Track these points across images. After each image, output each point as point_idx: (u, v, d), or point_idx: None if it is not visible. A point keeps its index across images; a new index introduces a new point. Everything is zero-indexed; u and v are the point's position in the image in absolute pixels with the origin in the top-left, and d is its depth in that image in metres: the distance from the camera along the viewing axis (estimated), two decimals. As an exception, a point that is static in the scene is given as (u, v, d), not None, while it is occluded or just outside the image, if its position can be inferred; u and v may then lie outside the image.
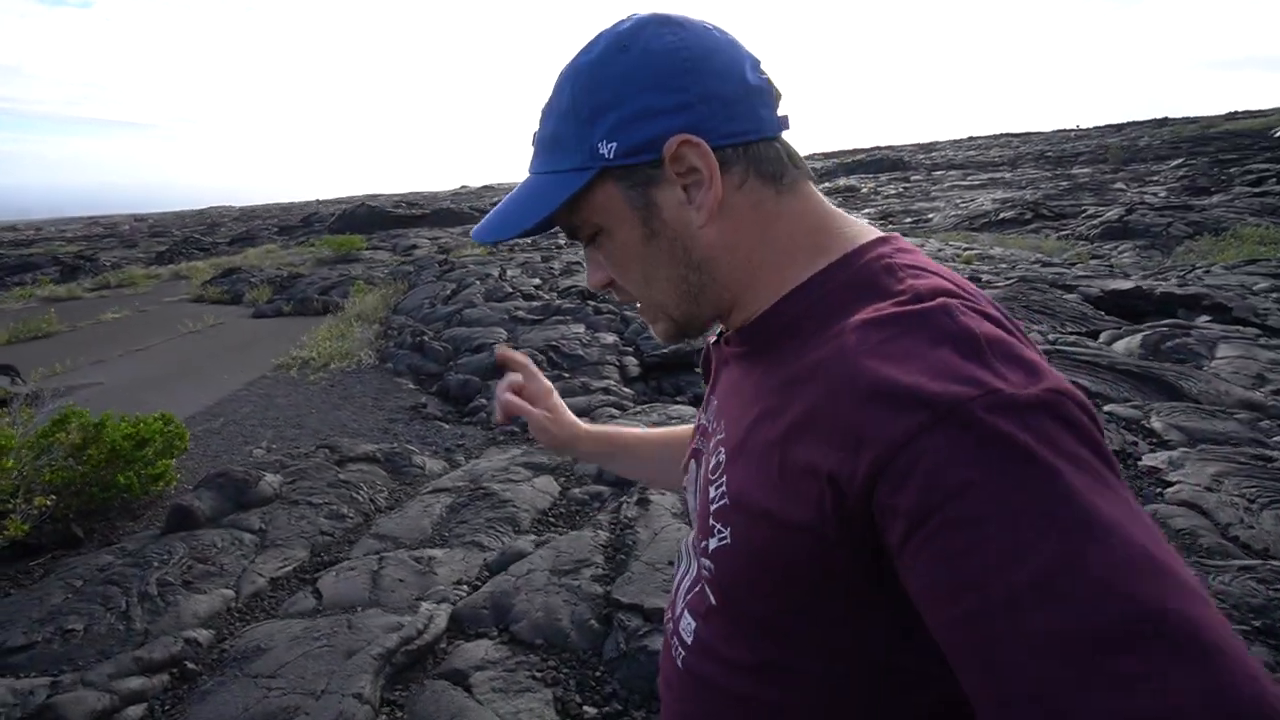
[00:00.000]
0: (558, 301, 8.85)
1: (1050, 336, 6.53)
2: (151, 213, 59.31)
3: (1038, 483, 0.42)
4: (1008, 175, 23.98)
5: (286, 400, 7.08)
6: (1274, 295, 8.37)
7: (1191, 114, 36.06)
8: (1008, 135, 43.08)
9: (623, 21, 0.65)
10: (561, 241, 19.56)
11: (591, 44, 0.65)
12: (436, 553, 3.51)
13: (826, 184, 26.53)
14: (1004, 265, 11.11)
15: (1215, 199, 16.15)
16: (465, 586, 3.22)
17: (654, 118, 0.61)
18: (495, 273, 11.03)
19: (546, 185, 0.66)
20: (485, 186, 52.92)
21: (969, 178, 24.12)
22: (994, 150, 34.37)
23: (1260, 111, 33.44)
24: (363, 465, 4.92)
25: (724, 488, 0.62)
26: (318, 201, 55.96)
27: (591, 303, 8.69)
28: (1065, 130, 39.92)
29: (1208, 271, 10.20)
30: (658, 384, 7.00)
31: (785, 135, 0.67)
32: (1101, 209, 16.52)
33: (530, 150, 0.70)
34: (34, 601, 3.08)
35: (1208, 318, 7.45)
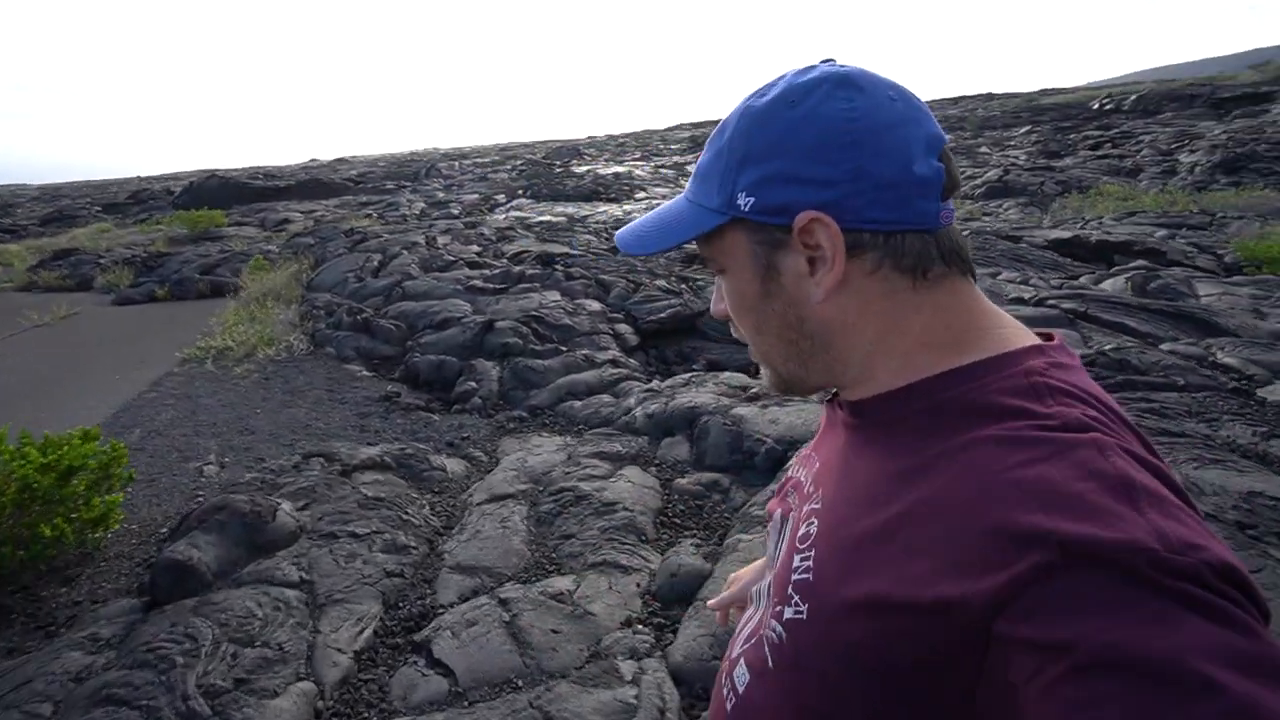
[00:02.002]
0: (517, 268, 7.74)
1: (1053, 282, 6.41)
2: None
3: (1191, 637, 0.37)
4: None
5: (215, 400, 5.58)
6: (1180, 240, 8.84)
7: (1011, 90, 39.30)
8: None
9: (808, 70, 0.59)
10: (489, 207, 17.96)
11: (769, 86, 0.60)
12: (565, 583, 2.59)
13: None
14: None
15: (1068, 161, 17.41)
16: (647, 629, 2.34)
17: (796, 185, 0.56)
18: (421, 240, 9.62)
19: (688, 215, 0.63)
20: (339, 159, 48.41)
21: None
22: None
23: (1067, 89, 37.11)
24: (375, 475, 3.79)
25: (810, 563, 0.58)
26: (140, 178, 49.18)
27: (559, 267, 7.66)
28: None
29: (1101, 223, 10.74)
30: (660, 353, 6.20)
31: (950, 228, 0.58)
32: (978, 170, 17.33)
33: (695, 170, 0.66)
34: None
35: (1142, 261, 7.70)
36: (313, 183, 23.84)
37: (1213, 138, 16.68)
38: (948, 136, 0.59)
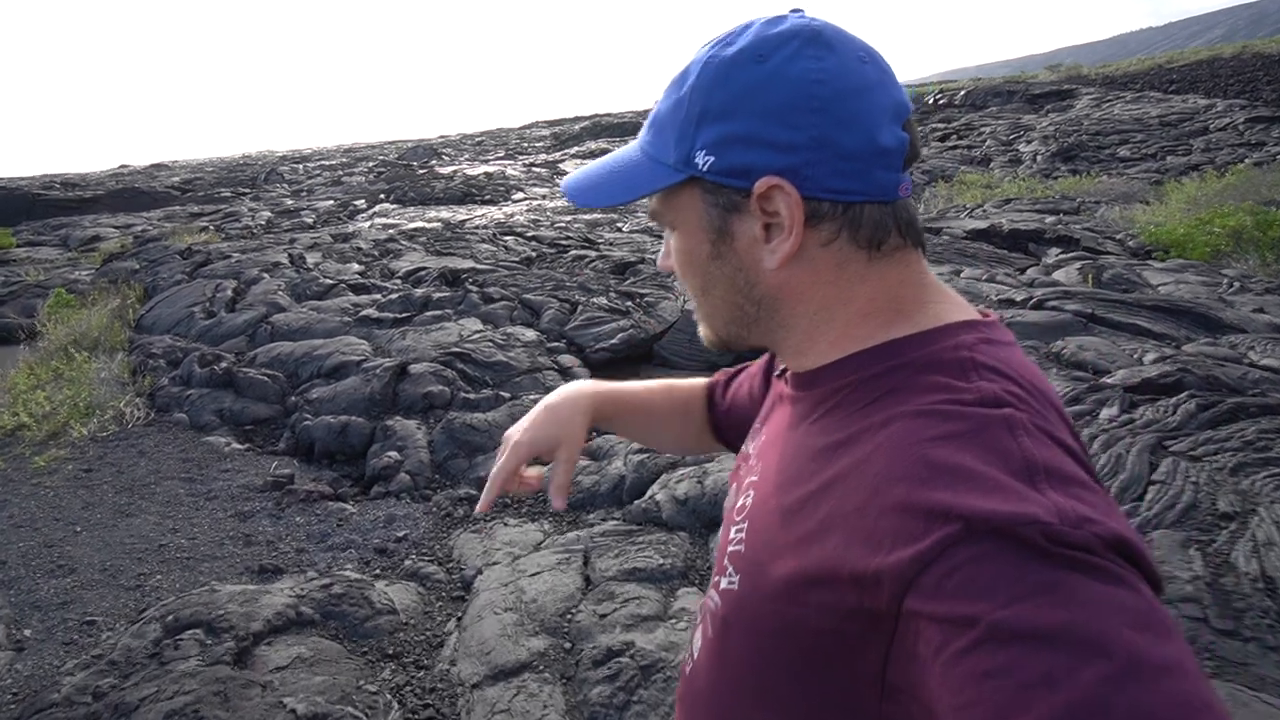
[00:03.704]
0: (419, 291, 6.23)
1: (1024, 276, 5.94)
2: None
3: (1083, 606, 0.38)
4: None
5: (2, 517, 3.75)
6: (1079, 226, 8.92)
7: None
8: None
9: (778, 21, 0.54)
10: (349, 214, 15.55)
11: (735, 35, 0.55)
12: None
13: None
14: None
15: (924, 152, 18.02)
16: None
17: (759, 147, 0.53)
18: (284, 259, 7.75)
19: (644, 168, 0.59)
20: (156, 165, 41.92)
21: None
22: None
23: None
24: (294, 645, 2.39)
25: (743, 533, 0.58)
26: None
27: (470, 286, 6.25)
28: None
29: (985, 212, 10.82)
30: (617, 387, 5.06)
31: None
32: (846, 162, 17.50)
33: (648, 118, 0.61)
34: None
35: (1059, 249, 7.58)
36: (127, 191, 20.04)
37: (1042, 129, 17.90)
38: (912, 105, 0.55)
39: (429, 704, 2.22)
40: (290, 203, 18.84)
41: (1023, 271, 6.44)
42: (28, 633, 2.79)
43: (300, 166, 30.26)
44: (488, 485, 0.80)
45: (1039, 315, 4.55)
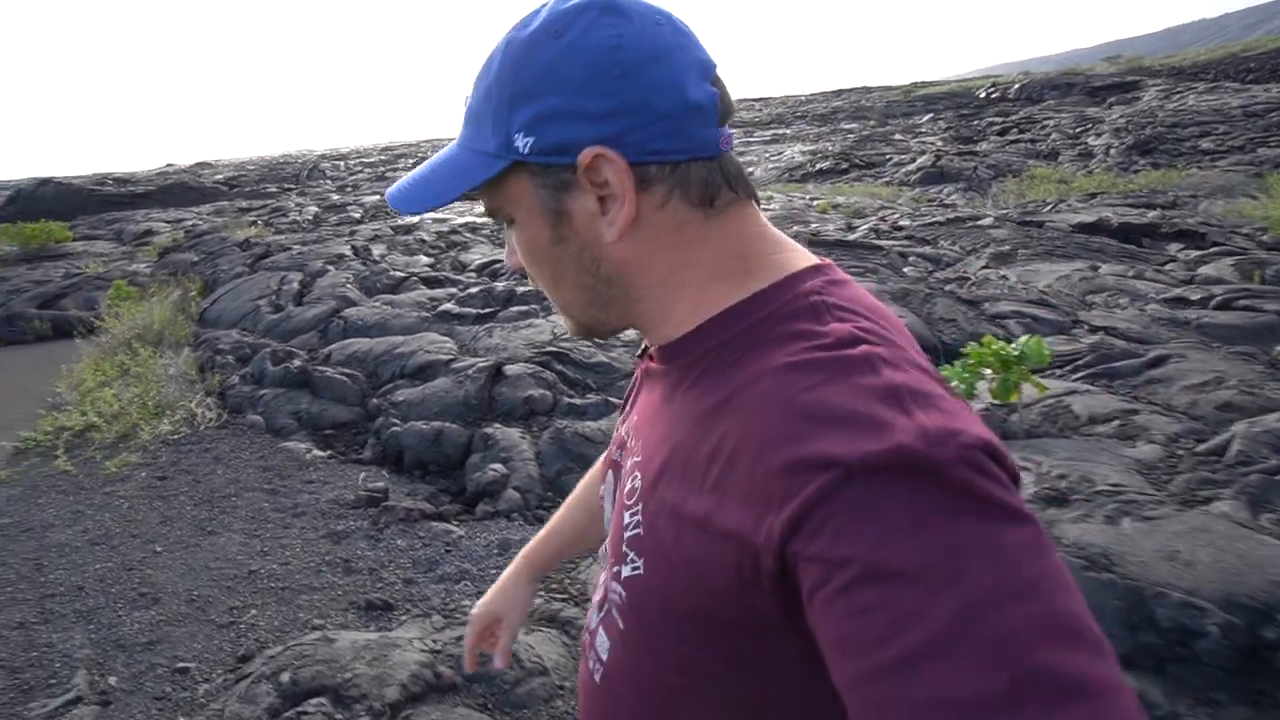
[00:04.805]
0: (500, 286, 5.75)
1: (1170, 273, 5.26)
2: None
3: (947, 540, 0.39)
4: (788, 131, 24.09)
5: (77, 530, 3.32)
6: (1193, 220, 8.15)
7: (883, 84, 40.25)
8: (749, 100, 44.79)
9: None
10: (391, 211, 15.23)
11: (531, 16, 0.54)
12: None
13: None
14: (891, 212, 10.16)
15: (985, 146, 17.16)
16: None
17: (574, 121, 0.51)
18: (346, 251, 7.34)
19: (466, 162, 0.56)
20: (200, 164, 42.32)
21: (756, 134, 23.80)
22: (750, 113, 35.14)
23: (938, 81, 38.36)
24: (435, 717, 1.89)
25: (639, 516, 0.56)
26: (-45, 189, 40.92)
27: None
28: (795, 95, 42.53)
29: (1070, 206, 10.07)
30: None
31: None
32: (903, 157, 16.73)
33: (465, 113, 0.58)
34: None
35: (1179, 244, 6.87)
36: (176, 187, 20.01)
37: (1112, 122, 16.93)
38: (716, 62, 0.56)
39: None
40: (336, 198, 18.59)
41: (1161, 267, 5.76)
42: (113, 680, 2.33)
43: (341, 164, 30.19)
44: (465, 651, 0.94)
45: (1233, 316, 3.90)
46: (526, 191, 0.54)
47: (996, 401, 3.30)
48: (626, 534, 0.57)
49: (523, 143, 0.52)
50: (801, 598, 0.43)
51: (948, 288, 5.21)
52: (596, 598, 0.65)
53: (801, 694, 0.50)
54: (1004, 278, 5.38)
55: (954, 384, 3.33)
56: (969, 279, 5.39)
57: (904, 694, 0.36)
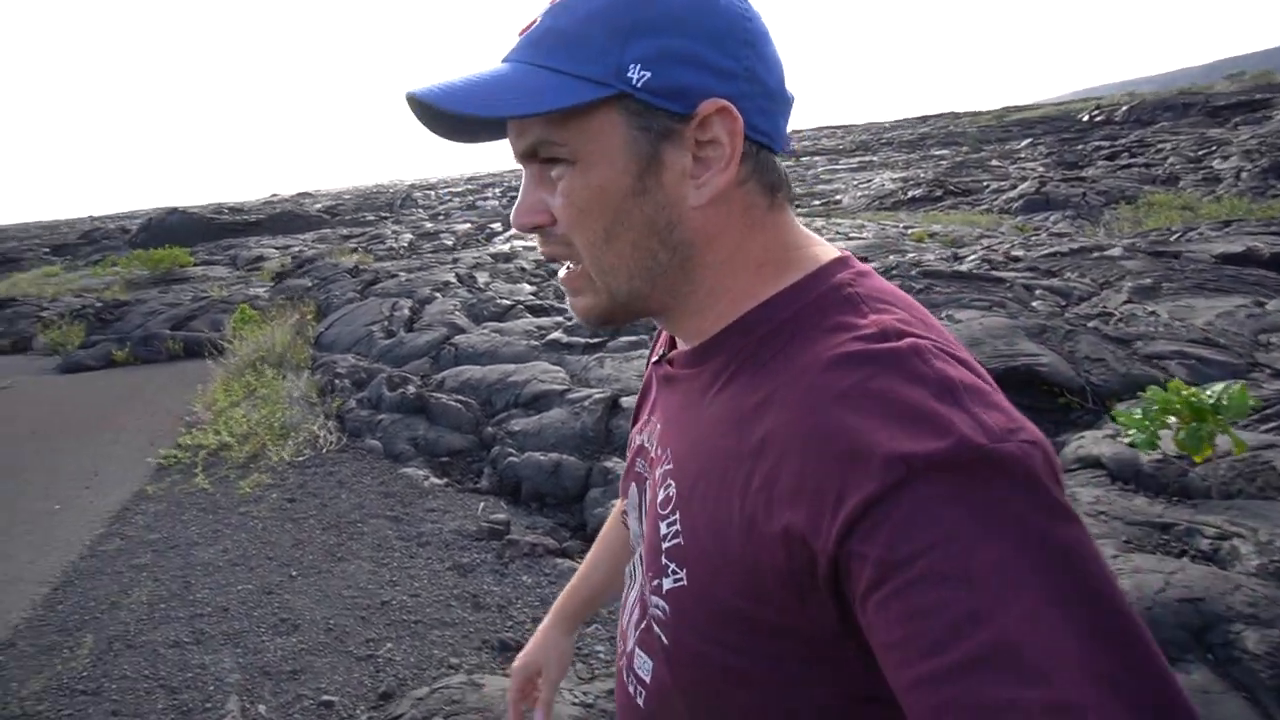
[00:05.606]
0: (606, 315, 5.72)
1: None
2: None
3: (1012, 540, 0.38)
4: (876, 159, 23.57)
5: (218, 549, 3.43)
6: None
7: (968, 109, 38.98)
8: (830, 127, 44.36)
9: None
10: (508, 234, 15.76)
11: None
12: None
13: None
14: (999, 241, 9.64)
15: (1092, 171, 16.23)
16: None
17: (700, 69, 0.48)
18: (452, 279, 7.53)
19: (545, 82, 0.48)
20: (301, 194, 45.34)
21: (842, 161, 23.40)
22: (833, 140, 34.67)
23: (1030, 105, 36.93)
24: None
25: (677, 525, 0.53)
26: (92, 218, 45.35)
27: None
28: (878, 122, 41.91)
29: (1201, 235, 9.28)
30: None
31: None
32: (1002, 183, 16.02)
33: (528, 37, 0.52)
34: None
35: (1347, 277, 6.15)
36: (284, 215, 21.37)
37: (1240, 144, 15.69)
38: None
39: None
40: (429, 225, 19.41)
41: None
42: (262, 709, 2.33)
43: (431, 193, 31.62)
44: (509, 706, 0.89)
45: None
46: (617, 130, 0.49)
47: (1178, 452, 2.96)
48: (665, 545, 0.54)
49: (638, 76, 0.48)
50: (853, 599, 0.41)
51: (1090, 324, 4.82)
52: (628, 620, 0.62)
53: (858, 703, 0.47)
54: (1153, 314, 4.94)
55: (1131, 432, 3.02)
56: (1113, 314, 4.98)
57: (969, 698, 0.35)
